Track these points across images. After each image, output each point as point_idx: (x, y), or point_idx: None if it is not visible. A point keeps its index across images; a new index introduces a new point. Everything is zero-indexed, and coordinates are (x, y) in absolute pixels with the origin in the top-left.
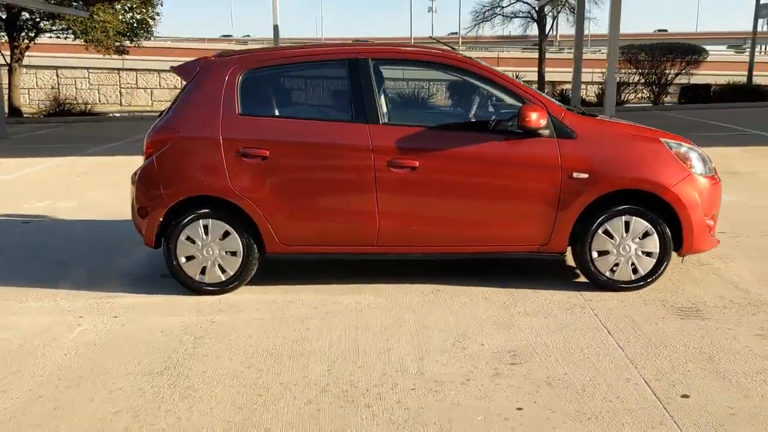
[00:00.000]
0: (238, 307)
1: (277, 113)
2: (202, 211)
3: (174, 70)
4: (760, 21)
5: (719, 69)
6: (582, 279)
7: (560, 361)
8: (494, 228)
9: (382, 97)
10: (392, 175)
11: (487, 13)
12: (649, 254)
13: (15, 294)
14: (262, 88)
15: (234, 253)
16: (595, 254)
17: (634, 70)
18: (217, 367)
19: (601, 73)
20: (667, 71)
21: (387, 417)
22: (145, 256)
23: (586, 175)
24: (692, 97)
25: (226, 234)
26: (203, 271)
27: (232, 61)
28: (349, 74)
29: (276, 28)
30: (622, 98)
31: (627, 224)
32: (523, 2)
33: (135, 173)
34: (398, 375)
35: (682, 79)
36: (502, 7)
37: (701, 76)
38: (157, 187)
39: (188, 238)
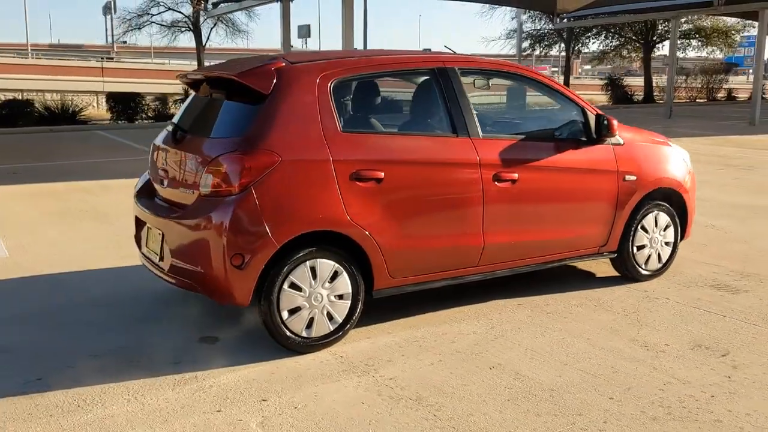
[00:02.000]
0: (386, 358)
1: (381, 129)
2: (309, 250)
3: (240, 77)
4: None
5: None
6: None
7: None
8: (572, 234)
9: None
10: (497, 190)
11: (136, 20)
12: (668, 244)
13: (77, 399)
14: (356, 100)
15: (341, 297)
16: (635, 249)
17: None
18: None
19: None
20: None
21: None
22: (172, 316)
23: (635, 178)
24: None
25: (335, 275)
26: (309, 324)
27: (317, 68)
28: (440, 83)
29: None
30: None
31: (656, 219)
32: (175, 11)
33: (203, 214)
34: None
35: None
36: (151, 15)
37: None
38: (259, 225)
39: (292, 286)
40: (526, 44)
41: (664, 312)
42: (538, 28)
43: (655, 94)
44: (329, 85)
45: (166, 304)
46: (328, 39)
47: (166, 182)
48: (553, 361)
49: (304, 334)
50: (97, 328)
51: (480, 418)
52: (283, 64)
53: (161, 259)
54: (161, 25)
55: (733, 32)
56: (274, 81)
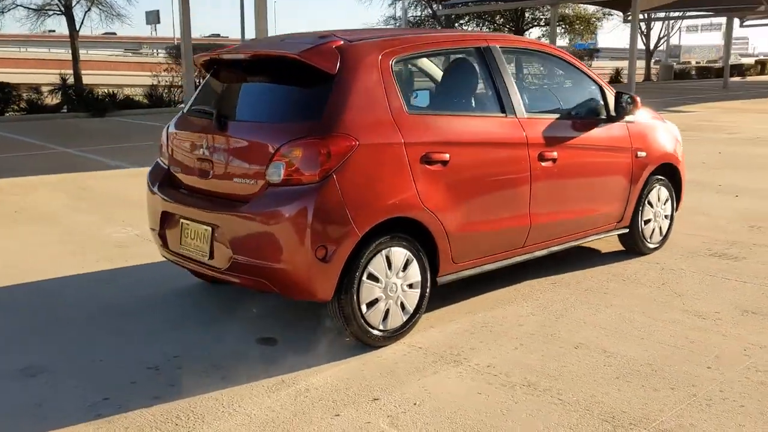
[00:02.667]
0: (467, 345)
1: (441, 109)
2: (384, 238)
3: (305, 56)
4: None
5: None
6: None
7: None
8: (598, 210)
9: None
10: (541, 169)
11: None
12: (667, 217)
13: (168, 417)
14: (413, 80)
15: (411, 286)
16: (643, 224)
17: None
18: None
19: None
20: None
21: None
22: (211, 319)
23: (645, 154)
24: None
25: (407, 263)
26: (385, 316)
27: (376, 45)
28: (486, 62)
29: None
30: (177, 99)
31: (658, 194)
32: None
33: (277, 206)
34: None
35: None
36: None
37: None
38: (343, 214)
39: (370, 277)
40: None
41: (690, 282)
42: (417, 14)
43: None
44: (390, 63)
45: (193, 306)
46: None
47: (210, 173)
48: (629, 336)
49: (381, 326)
50: (134, 337)
51: (605, 398)
52: (342, 42)
53: (211, 257)
54: (28, 8)
55: (594, 19)
56: (339, 60)
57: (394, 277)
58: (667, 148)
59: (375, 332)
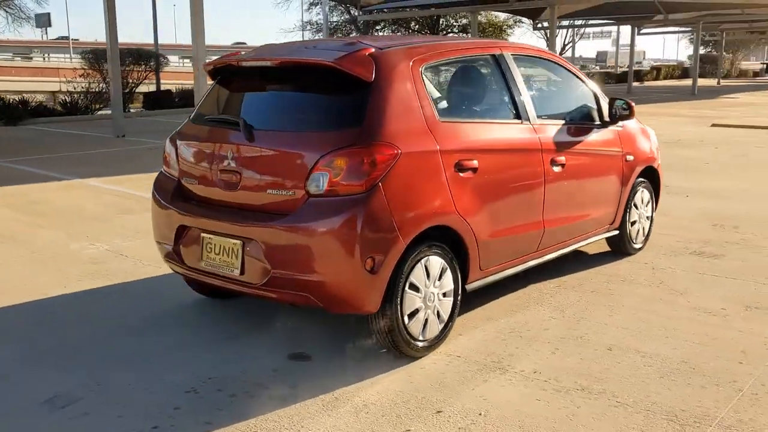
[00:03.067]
0: (505, 352)
1: (468, 116)
2: (423, 247)
3: (342, 64)
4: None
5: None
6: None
7: None
8: (598, 213)
9: None
10: (552, 174)
11: None
12: (648, 218)
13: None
14: (439, 87)
15: (445, 294)
16: (630, 225)
17: (102, 78)
18: None
19: (67, 81)
20: (131, 79)
21: None
22: (228, 336)
23: (633, 158)
24: (156, 103)
25: (442, 271)
26: (424, 326)
27: (406, 53)
28: (501, 69)
29: None
30: (95, 106)
31: (642, 196)
32: None
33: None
34: None
35: (146, 86)
36: None
37: (165, 83)
38: (389, 223)
39: (411, 287)
40: (319, 36)
41: (684, 281)
42: (334, 20)
43: None
44: (420, 70)
45: (201, 324)
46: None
47: (238, 185)
48: (653, 336)
49: (420, 337)
50: (156, 358)
51: (660, 398)
52: (373, 49)
53: (242, 272)
54: None
55: (505, 26)
56: (374, 68)
57: (431, 287)
58: (649, 151)
59: (417, 343)
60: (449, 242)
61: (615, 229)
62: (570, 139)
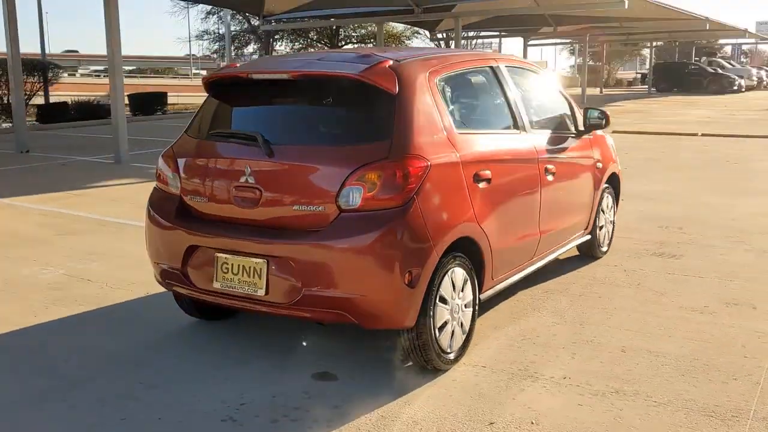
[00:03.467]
0: (526, 360)
1: (480, 127)
2: (449, 258)
3: (366, 76)
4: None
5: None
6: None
7: None
8: (578, 218)
9: None
10: (546, 182)
11: None
12: (611, 222)
13: None
14: (452, 99)
15: (467, 305)
16: (599, 229)
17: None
18: None
19: None
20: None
21: None
22: (240, 358)
23: (602, 165)
24: (49, 116)
25: (465, 282)
26: (451, 338)
27: (422, 65)
28: (498, 80)
29: None
30: None
31: (607, 201)
32: None
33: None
34: None
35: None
36: None
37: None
38: (424, 237)
39: (441, 299)
40: (216, 45)
41: (660, 281)
42: (234, 29)
43: None
44: (435, 82)
45: (201, 348)
46: None
47: (258, 201)
48: (656, 335)
49: (449, 349)
50: (172, 387)
51: (691, 395)
52: (391, 61)
53: (267, 292)
54: None
55: (403, 38)
56: (396, 80)
57: (456, 298)
58: (612, 157)
59: (448, 356)
60: (468, 253)
61: (587, 234)
62: (557, 148)
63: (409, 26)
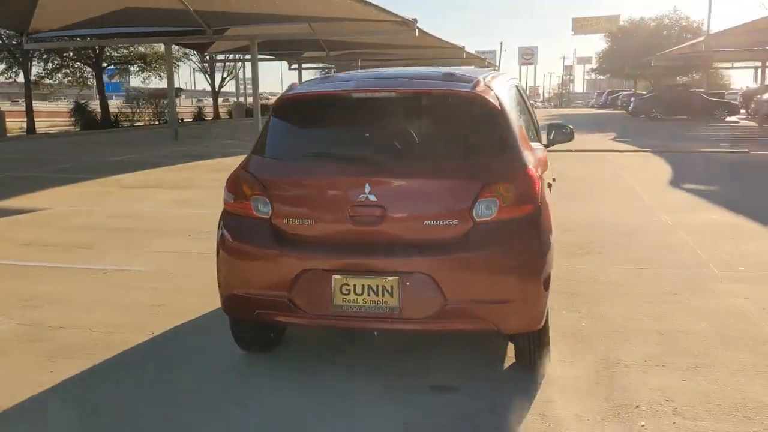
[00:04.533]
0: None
1: (531, 138)
2: None
3: (478, 94)
4: None
5: None
6: None
7: None
8: None
9: None
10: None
11: None
12: None
13: None
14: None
15: None
16: None
17: None
18: None
19: None
20: None
21: None
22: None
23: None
24: None
25: None
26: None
27: (495, 83)
28: (521, 96)
29: None
30: None
31: None
32: None
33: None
34: None
35: None
36: None
37: None
38: (551, 239)
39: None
40: None
41: (621, 276)
42: None
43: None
44: (511, 98)
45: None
46: None
47: (381, 219)
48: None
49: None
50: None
51: (752, 395)
52: (482, 80)
53: (401, 309)
54: None
55: (174, 59)
56: (497, 97)
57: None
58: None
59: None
60: None
61: None
62: (543, 159)
63: (179, 48)
